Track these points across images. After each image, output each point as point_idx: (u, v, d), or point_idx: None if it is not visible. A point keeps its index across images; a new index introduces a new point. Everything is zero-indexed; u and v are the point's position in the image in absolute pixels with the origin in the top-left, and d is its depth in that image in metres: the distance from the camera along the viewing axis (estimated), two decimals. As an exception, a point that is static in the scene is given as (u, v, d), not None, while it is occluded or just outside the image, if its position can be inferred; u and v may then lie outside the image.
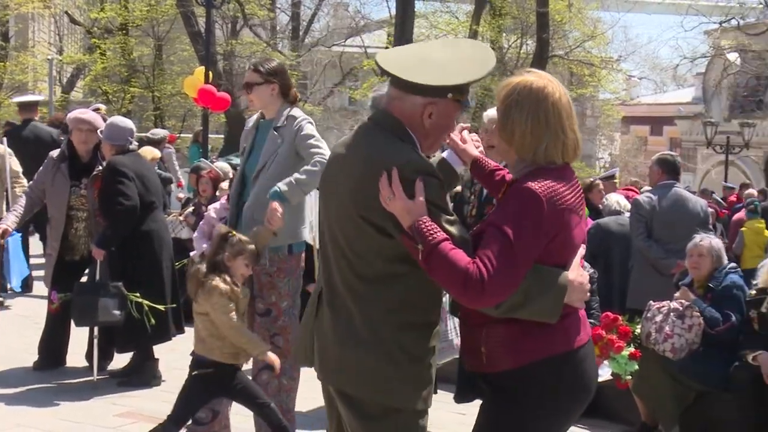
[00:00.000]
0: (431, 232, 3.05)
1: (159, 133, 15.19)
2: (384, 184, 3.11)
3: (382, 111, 3.39)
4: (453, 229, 3.13)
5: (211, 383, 5.12)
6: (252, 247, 5.08)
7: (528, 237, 3.07)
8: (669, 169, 8.22)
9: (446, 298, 6.82)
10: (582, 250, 3.27)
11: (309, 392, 6.47)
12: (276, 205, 5.16)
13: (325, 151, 5.41)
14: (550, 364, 3.18)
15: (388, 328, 3.21)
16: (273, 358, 5.19)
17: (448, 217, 3.16)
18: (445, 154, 3.72)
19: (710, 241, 6.71)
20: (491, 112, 6.18)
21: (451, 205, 3.96)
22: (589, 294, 3.28)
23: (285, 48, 32.51)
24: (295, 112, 5.65)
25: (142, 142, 14.12)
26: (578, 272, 3.21)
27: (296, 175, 5.32)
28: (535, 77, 3.26)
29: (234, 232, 5.12)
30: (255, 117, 5.81)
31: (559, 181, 3.17)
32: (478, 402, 3.62)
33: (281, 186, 5.23)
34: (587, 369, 3.28)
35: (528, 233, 3.07)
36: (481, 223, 3.37)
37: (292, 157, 5.51)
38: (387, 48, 30.70)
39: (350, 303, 3.26)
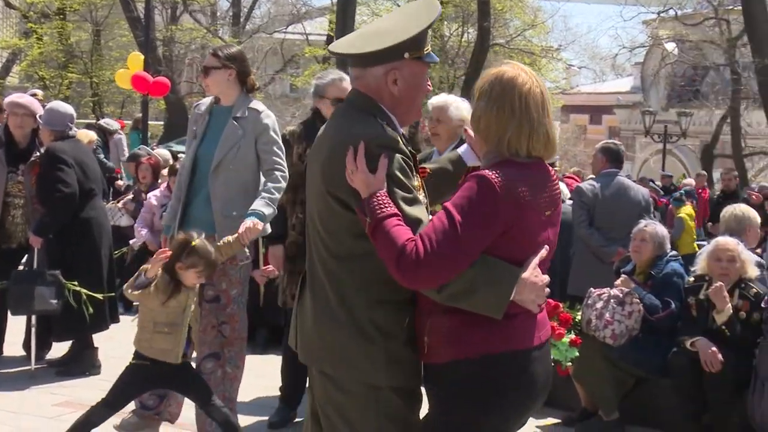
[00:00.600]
0: (381, 206, 3.02)
1: (113, 124, 15.33)
2: (349, 159, 3.09)
3: (353, 90, 3.36)
4: (407, 207, 3.07)
5: (147, 375, 5.05)
6: (210, 259, 4.98)
7: (474, 223, 2.99)
8: (612, 158, 8.28)
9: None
10: (544, 251, 3.14)
11: (252, 380, 6.45)
12: (257, 223, 5.24)
13: (285, 164, 5.59)
14: (488, 361, 3.08)
15: (359, 306, 3.17)
16: None
17: (406, 194, 3.10)
18: (461, 150, 3.70)
19: (655, 227, 6.79)
20: (435, 101, 6.19)
21: None
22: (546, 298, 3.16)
23: (226, 34, 32.24)
24: (257, 104, 5.67)
25: (99, 131, 14.30)
26: (534, 272, 3.08)
27: (269, 194, 5.41)
28: (510, 68, 3.21)
29: (194, 242, 4.96)
30: (207, 101, 5.75)
31: (522, 175, 3.08)
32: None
33: (264, 209, 5.33)
34: (536, 372, 3.15)
35: (475, 219, 2.99)
36: None
37: (254, 153, 5.55)
38: (329, 35, 30.64)
39: (326, 282, 3.24)
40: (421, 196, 3.21)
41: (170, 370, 5.02)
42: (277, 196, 5.46)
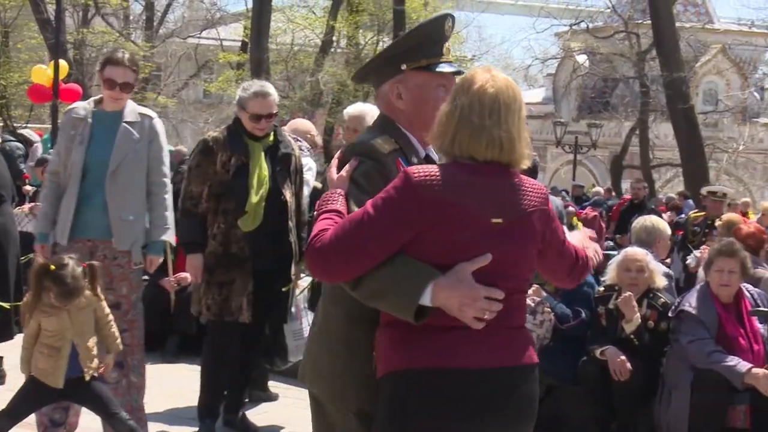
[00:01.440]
0: (328, 202, 2.97)
1: (35, 136, 16.02)
2: (332, 163, 3.10)
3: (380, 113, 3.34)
4: (356, 208, 2.94)
5: (45, 389, 4.89)
6: (66, 288, 4.70)
7: (384, 214, 2.82)
8: (528, 169, 8.35)
9: (303, 295, 6.87)
10: (483, 260, 2.82)
11: (162, 390, 6.37)
12: (159, 258, 5.62)
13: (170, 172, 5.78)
14: (410, 377, 2.85)
15: (337, 322, 3.11)
16: None
17: (362, 196, 2.95)
18: None
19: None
20: (351, 110, 6.21)
21: None
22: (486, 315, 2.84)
23: (139, 38, 31.84)
24: (146, 110, 5.73)
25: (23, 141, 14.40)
26: (460, 278, 2.80)
27: (162, 216, 5.56)
28: (473, 69, 3.06)
29: (53, 266, 4.74)
30: (84, 105, 5.68)
31: (460, 177, 2.88)
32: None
33: (171, 240, 5.68)
34: (471, 396, 2.85)
35: (385, 211, 2.82)
36: None
37: (146, 157, 5.56)
38: (243, 41, 30.45)
39: (322, 296, 3.25)
40: None
41: (72, 384, 4.84)
42: (170, 213, 5.61)
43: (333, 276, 2.92)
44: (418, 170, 2.87)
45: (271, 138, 5.99)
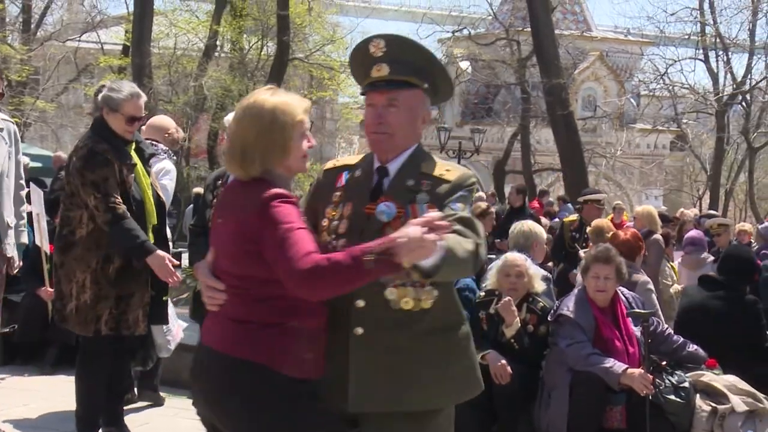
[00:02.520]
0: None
1: None
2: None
3: None
4: None
5: None
6: None
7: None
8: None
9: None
10: (210, 254, 3.39)
11: (40, 403, 6.22)
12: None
13: None
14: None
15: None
16: None
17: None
18: None
19: (442, 245, 6.93)
20: (230, 116, 6.17)
21: None
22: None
23: (15, 41, 31.02)
24: (5, 116, 5.84)
25: None
26: (198, 267, 3.42)
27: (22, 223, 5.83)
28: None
29: None
30: None
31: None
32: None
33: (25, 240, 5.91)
34: (192, 365, 3.38)
35: None
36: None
37: (14, 161, 5.75)
38: (125, 45, 29.95)
39: None
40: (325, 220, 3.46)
41: None
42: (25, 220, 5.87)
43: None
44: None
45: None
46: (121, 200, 5.50)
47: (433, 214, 3.03)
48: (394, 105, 3.42)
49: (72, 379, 6.21)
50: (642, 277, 7.56)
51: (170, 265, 5.54)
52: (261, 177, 3.26)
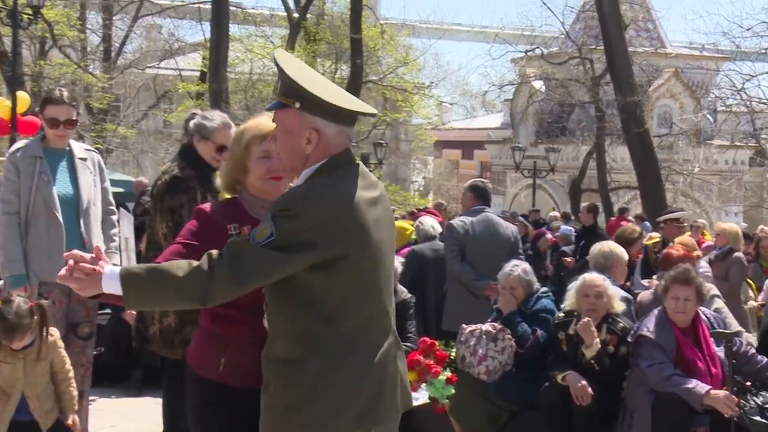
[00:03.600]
0: None
1: None
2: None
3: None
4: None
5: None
6: (10, 320, 4.72)
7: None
8: (479, 195, 8.45)
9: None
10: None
11: (127, 425, 6.33)
12: None
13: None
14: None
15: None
16: None
17: None
18: None
19: (518, 271, 6.94)
20: None
21: None
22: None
23: (96, 69, 31.72)
24: (86, 145, 6.17)
25: None
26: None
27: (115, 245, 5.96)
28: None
29: (12, 299, 4.80)
30: (30, 143, 5.86)
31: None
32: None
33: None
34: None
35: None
36: None
37: (100, 190, 5.97)
38: (202, 71, 30.44)
39: None
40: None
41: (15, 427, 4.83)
42: (116, 243, 6.01)
43: None
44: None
45: None
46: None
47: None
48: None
49: (158, 401, 6.34)
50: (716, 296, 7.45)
51: None
52: (234, 196, 3.75)
